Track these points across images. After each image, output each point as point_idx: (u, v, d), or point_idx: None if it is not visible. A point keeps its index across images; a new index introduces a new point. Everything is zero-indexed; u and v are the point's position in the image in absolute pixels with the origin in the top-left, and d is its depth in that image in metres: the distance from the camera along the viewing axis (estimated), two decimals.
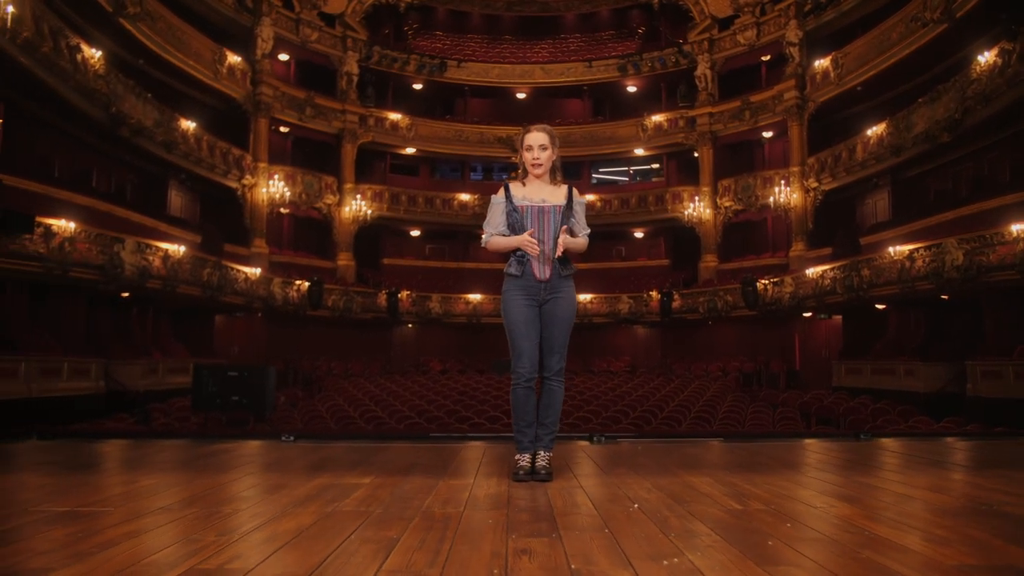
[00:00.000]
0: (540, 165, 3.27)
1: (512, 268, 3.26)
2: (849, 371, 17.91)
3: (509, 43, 29.74)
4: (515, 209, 3.25)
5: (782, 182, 21.68)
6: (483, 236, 3.34)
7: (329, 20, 24.22)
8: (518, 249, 3.24)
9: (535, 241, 3.17)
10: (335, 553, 1.88)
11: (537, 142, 3.28)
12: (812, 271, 18.57)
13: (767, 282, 20.20)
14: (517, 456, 3.27)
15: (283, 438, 5.26)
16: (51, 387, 12.26)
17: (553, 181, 3.34)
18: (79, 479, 3.26)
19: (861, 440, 5.27)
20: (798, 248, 21.20)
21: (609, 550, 1.91)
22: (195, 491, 2.91)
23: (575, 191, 3.36)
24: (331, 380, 19.78)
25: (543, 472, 3.20)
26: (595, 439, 5.32)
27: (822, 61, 20.64)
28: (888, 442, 5.07)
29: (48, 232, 12.04)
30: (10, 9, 10.68)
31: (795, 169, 21.51)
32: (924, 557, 1.83)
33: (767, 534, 2.10)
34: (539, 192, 3.30)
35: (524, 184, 3.33)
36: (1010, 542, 2.01)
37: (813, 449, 4.54)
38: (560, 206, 3.27)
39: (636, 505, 2.57)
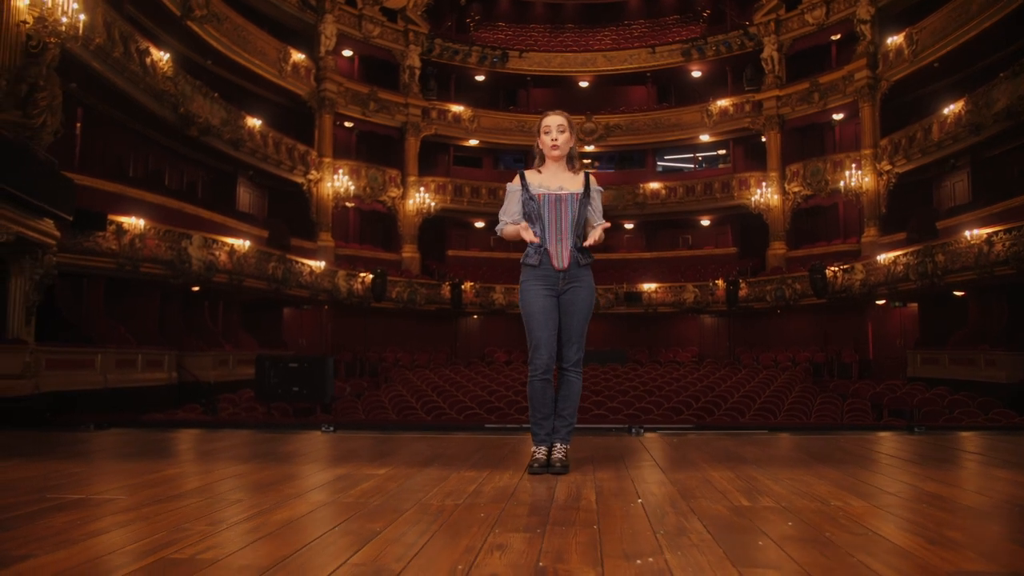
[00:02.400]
0: (558, 147, 3.21)
1: (530, 258, 3.21)
2: (925, 361, 17.16)
3: (572, 31, 29.52)
4: (532, 197, 3.20)
5: (853, 165, 20.87)
6: (498, 224, 3.31)
7: (391, 15, 24.48)
8: None
9: (528, 230, 3.13)
10: (310, 545, 1.88)
11: (555, 124, 3.22)
12: (883, 257, 17.84)
13: (836, 269, 19.50)
14: (533, 448, 3.23)
15: (323, 428, 5.35)
16: (126, 378, 12.80)
17: (570, 168, 3.28)
18: (106, 466, 3.37)
19: (915, 434, 5.03)
20: (871, 234, 20.39)
21: (587, 547, 1.86)
22: (204, 481, 2.97)
23: (592, 178, 3.29)
24: (397, 371, 20.07)
25: (558, 465, 3.15)
26: (633, 431, 5.23)
27: (895, 38, 19.74)
28: (942, 436, 4.82)
29: (119, 229, 12.55)
30: (82, 17, 11.10)
31: (867, 152, 20.67)
32: (919, 561, 1.71)
33: (762, 533, 2.00)
34: (556, 179, 3.24)
35: (540, 172, 3.27)
36: None
37: (856, 443, 4.34)
38: (578, 193, 3.20)
39: (640, 500, 2.50)
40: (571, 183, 3.23)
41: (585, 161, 28.36)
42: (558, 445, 3.22)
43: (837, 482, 2.86)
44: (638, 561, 1.72)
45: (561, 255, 3.18)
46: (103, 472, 3.17)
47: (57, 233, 10.06)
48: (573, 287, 3.21)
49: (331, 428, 5.32)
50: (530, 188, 3.22)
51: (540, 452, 3.19)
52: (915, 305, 19.05)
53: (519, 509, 2.36)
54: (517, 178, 3.26)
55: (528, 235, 3.14)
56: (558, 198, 3.19)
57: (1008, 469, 3.31)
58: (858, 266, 18.92)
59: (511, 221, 3.25)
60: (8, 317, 9.85)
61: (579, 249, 3.19)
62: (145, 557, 1.76)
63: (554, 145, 3.20)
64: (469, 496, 2.60)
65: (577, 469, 3.27)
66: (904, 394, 14.22)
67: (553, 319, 3.21)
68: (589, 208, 3.23)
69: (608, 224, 3.21)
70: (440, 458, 3.68)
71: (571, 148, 3.27)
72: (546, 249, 3.19)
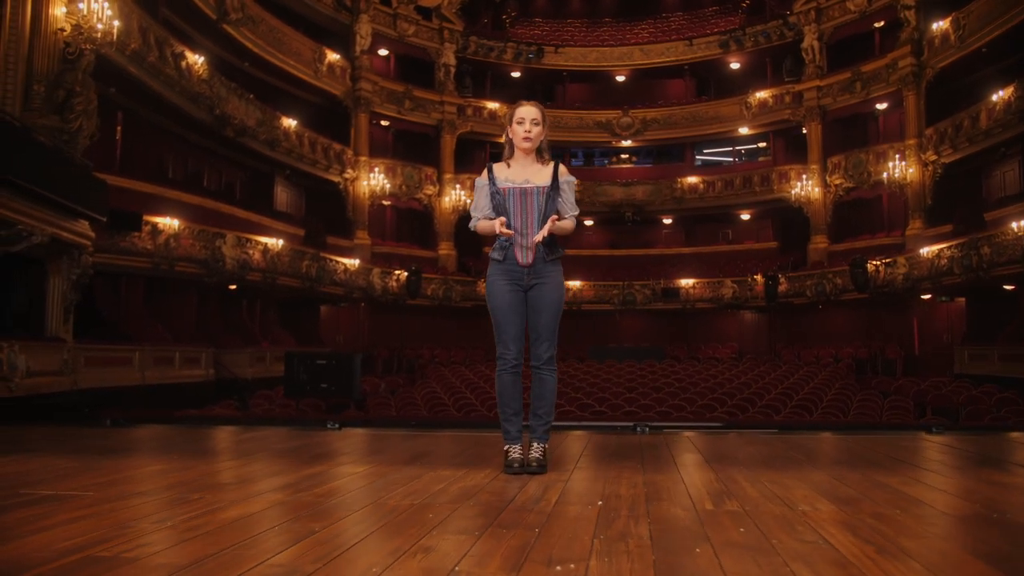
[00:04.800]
0: (530, 139, 3.14)
1: (495, 253, 3.16)
2: (973, 357, 16.59)
3: (609, 25, 29.29)
4: (498, 191, 3.15)
5: (897, 156, 20.24)
6: (471, 221, 3.27)
7: (425, 13, 24.58)
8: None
9: (507, 229, 3.07)
10: (239, 545, 1.87)
11: (529, 115, 3.16)
12: (926, 250, 17.28)
13: (878, 263, 18.96)
14: (507, 447, 3.17)
15: (328, 425, 5.38)
16: (163, 375, 13.09)
17: (540, 160, 3.22)
18: (94, 463, 3.42)
19: (932, 433, 4.85)
20: (915, 226, 19.77)
21: (515, 552, 1.81)
22: (178, 479, 2.99)
23: (562, 168, 3.22)
24: (432, 368, 20.16)
25: (535, 464, 3.09)
26: (639, 429, 5.14)
27: (941, 23, 19.09)
28: (964, 437, 4.63)
29: (155, 230, 12.84)
30: (116, 24, 11.37)
31: (911, 142, 20.03)
32: (855, 572, 1.62)
33: (706, 540, 1.92)
34: (523, 173, 3.18)
35: (509, 165, 3.22)
36: (981, 557, 1.76)
37: (864, 443, 4.19)
38: (544, 187, 3.14)
39: (601, 502, 2.44)
40: (538, 176, 3.17)
41: (622, 156, 28.14)
42: (535, 444, 3.16)
43: (818, 485, 2.76)
44: (558, 567, 1.67)
45: (525, 251, 3.13)
46: (88, 468, 3.22)
47: (92, 234, 10.32)
48: (539, 283, 3.15)
49: (336, 425, 5.34)
50: (496, 182, 3.16)
51: (515, 451, 3.14)
52: (962, 300, 18.43)
53: (471, 510, 2.31)
54: (485, 172, 3.21)
55: (504, 229, 3.08)
56: (523, 192, 3.13)
57: (1012, 473, 3.16)
58: (900, 260, 18.37)
59: (482, 216, 3.21)
60: (47, 316, 10.14)
61: (546, 244, 3.13)
62: (71, 555, 1.77)
63: (526, 136, 3.14)
64: (430, 496, 2.57)
65: (558, 468, 3.21)
66: (949, 392, 13.78)
67: (520, 314, 3.16)
68: (559, 200, 3.17)
69: (571, 222, 3.16)
70: (426, 456, 3.66)
71: (541, 141, 3.21)
72: (511, 244, 3.13)
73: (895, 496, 2.53)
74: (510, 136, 3.20)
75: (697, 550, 1.82)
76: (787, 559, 1.72)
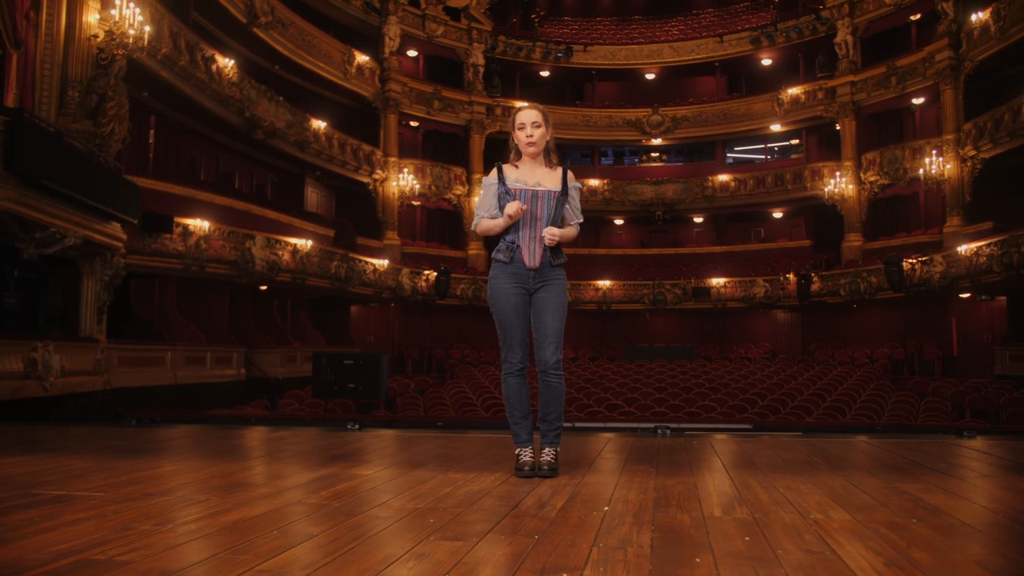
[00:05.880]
0: (534, 144, 3.11)
1: (500, 254, 3.12)
2: (1015, 358, 16.15)
3: (639, 23, 29.12)
4: (508, 192, 3.11)
5: (934, 152, 19.78)
6: (474, 219, 3.24)
7: (454, 14, 24.62)
8: (507, 234, 3.11)
9: (517, 205, 3.00)
10: (232, 549, 1.85)
11: (529, 119, 3.12)
12: (964, 248, 16.85)
13: (914, 261, 18.54)
14: (517, 451, 3.13)
15: (348, 426, 5.39)
16: (195, 374, 13.27)
17: (548, 163, 3.18)
18: (110, 463, 3.45)
19: (964, 437, 4.72)
20: (954, 223, 19.29)
21: (510, 559, 1.77)
22: (187, 479, 3.00)
23: (571, 174, 3.18)
24: (463, 368, 20.19)
25: (546, 468, 3.05)
26: (659, 431, 5.07)
27: (980, 15, 18.59)
28: (999, 441, 4.49)
29: (185, 231, 13.01)
30: (148, 29, 11.55)
31: (949, 137, 19.55)
32: None
33: (708, 549, 1.87)
34: (533, 175, 3.14)
35: (517, 166, 3.18)
36: (995, 571, 1.68)
37: (891, 447, 4.08)
38: (555, 191, 3.10)
39: (607, 508, 2.39)
40: (549, 180, 3.13)
41: (653, 154, 27.93)
42: (547, 449, 3.12)
43: (834, 491, 2.68)
44: None
45: (533, 253, 3.09)
46: (103, 469, 3.25)
47: (124, 236, 10.49)
48: (544, 286, 3.12)
49: (356, 426, 5.35)
50: (507, 182, 3.13)
51: (526, 454, 3.11)
52: (1003, 299, 17.95)
53: (473, 515, 2.28)
54: (494, 171, 3.18)
55: (514, 211, 2.99)
56: (534, 194, 3.10)
57: None
58: (937, 258, 17.95)
59: (488, 216, 3.17)
60: (81, 316, 10.32)
61: (552, 248, 3.09)
62: (65, 557, 1.77)
63: (529, 142, 3.11)
64: (436, 500, 2.54)
65: (570, 472, 3.17)
66: (989, 393, 13.43)
67: (525, 317, 3.13)
68: (567, 206, 3.13)
69: (575, 230, 3.15)
70: (441, 458, 3.64)
71: (547, 143, 3.17)
72: (518, 245, 3.09)
73: (914, 504, 2.45)
74: (515, 141, 3.17)
75: (697, 560, 1.77)
76: (789, 571, 1.66)
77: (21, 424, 5.96)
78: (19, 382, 8.30)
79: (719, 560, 1.76)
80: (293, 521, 2.19)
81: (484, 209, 3.18)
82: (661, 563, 1.74)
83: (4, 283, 9.14)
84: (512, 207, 3.00)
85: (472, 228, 3.26)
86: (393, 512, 2.33)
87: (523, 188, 3.10)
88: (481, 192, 3.23)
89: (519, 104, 3.23)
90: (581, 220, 3.19)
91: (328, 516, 2.27)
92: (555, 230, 3.03)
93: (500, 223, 3.09)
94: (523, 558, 1.78)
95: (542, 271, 3.10)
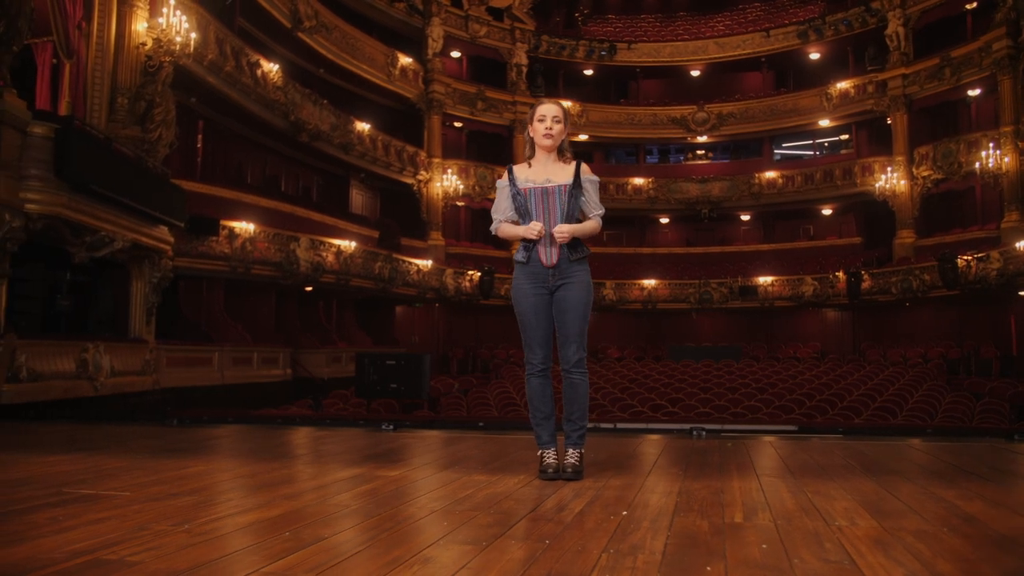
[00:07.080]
0: (552, 136, 3.09)
1: (519, 255, 3.11)
2: None
3: (683, 19, 28.81)
4: (519, 192, 3.09)
5: (991, 145, 19.10)
6: (493, 223, 3.23)
7: (497, 14, 24.67)
8: None
9: (538, 228, 3.00)
10: (244, 550, 1.86)
11: (551, 113, 3.11)
12: (1022, 244, 16.26)
13: (969, 258, 17.93)
14: (540, 452, 3.10)
15: (383, 427, 5.42)
16: (242, 375, 13.52)
17: (562, 159, 3.15)
18: (143, 462, 3.52)
19: (1014, 441, 4.53)
20: (1012, 219, 18.60)
21: (516, 565, 1.74)
22: (209, 481, 3.03)
23: (584, 167, 3.14)
24: (507, 368, 20.20)
25: (570, 470, 3.02)
26: (694, 433, 4.99)
27: None
28: None
29: (231, 234, 13.27)
30: (194, 36, 11.82)
31: (1007, 129, 18.85)
32: None
33: (722, 557, 1.81)
34: (544, 172, 3.12)
35: (529, 165, 3.17)
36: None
37: (933, 450, 3.93)
38: (566, 185, 3.07)
39: (625, 512, 2.35)
40: (560, 175, 3.10)
41: (698, 152, 27.57)
42: (570, 451, 3.08)
43: (864, 497, 2.59)
44: None
45: (549, 251, 3.06)
46: (135, 468, 3.31)
47: (171, 239, 10.74)
48: (565, 284, 3.08)
49: (390, 427, 5.38)
50: (517, 183, 3.11)
51: (549, 456, 3.07)
52: None
53: (488, 519, 2.26)
54: (506, 174, 3.18)
55: (532, 233, 3.01)
56: (545, 191, 3.07)
57: None
58: (994, 254, 17.33)
59: (504, 219, 3.17)
60: (130, 317, 10.61)
61: (569, 244, 3.05)
62: (78, 557, 1.80)
63: (547, 134, 3.08)
64: (454, 502, 2.52)
65: (595, 474, 3.12)
66: None
67: (546, 316, 3.10)
68: (583, 200, 3.09)
69: (596, 222, 3.10)
70: (468, 460, 3.62)
71: (563, 141, 3.14)
72: (535, 245, 3.07)
73: (948, 511, 2.35)
74: (531, 135, 3.14)
75: (708, 568, 1.71)
76: None
77: (69, 423, 6.14)
78: (71, 382, 8.55)
79: (731, 569, 1.70)
80: (303, 524, 2.19)
81: (500, 212, 3.18)
82: (670, 571, 1.69)
83: (56, 286, 9.42)
84: (532, 230, 3.00)
85: (492, 230, 3.25)
86: (409, 515, 2.32)
87: (533, 186, 3.09)
88: (496, 195, 3.22)
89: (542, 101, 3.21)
90: (602, 212, 3.14)
91: (338, 519, 2.27)
92: (565, 227, 3.00)
93: (520, 233, 3.09)
94: (529, 564, 1.75)
95: (560, 268, 3.07)
